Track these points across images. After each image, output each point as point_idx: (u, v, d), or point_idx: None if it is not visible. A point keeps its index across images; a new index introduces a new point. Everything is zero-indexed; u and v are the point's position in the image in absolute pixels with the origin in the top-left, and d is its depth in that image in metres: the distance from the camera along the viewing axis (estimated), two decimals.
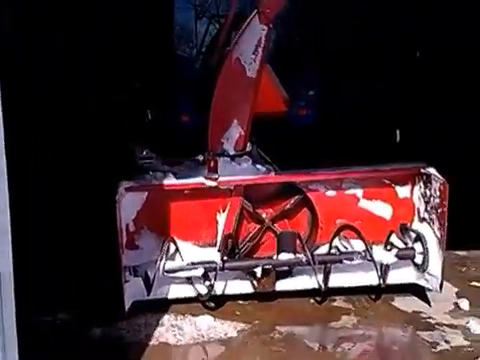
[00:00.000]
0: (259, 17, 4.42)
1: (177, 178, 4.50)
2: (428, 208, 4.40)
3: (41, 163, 6.03)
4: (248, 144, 4.78)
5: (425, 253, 4.34)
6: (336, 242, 4.58)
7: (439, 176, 4.30)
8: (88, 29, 7.70)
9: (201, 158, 4.67)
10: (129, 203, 4.30)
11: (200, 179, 4.44)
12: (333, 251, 4.53)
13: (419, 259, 4.40)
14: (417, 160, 4.49)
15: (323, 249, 4.61)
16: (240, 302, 4.58)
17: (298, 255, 4.46)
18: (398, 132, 7.88)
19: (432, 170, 4.39)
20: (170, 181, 4.46)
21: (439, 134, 6.90)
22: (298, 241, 4.51)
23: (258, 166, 4.70)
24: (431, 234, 4.36)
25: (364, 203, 4.67)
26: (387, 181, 4.61)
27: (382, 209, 4.66)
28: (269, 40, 4.50)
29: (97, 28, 7.89)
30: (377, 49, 8.04)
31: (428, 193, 4.39)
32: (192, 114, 5.70)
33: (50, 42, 6.93)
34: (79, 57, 7.50)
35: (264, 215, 4.78)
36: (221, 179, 4.44)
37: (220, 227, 4.61)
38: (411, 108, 7.28)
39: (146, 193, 4.42)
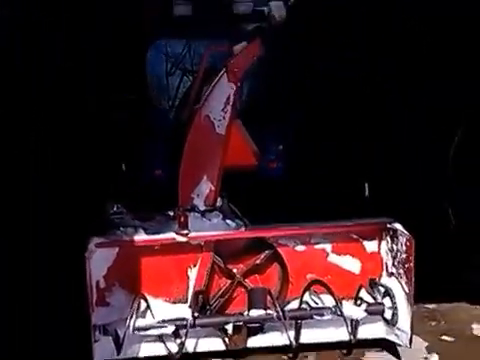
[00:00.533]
0: (228, 75, 4.52)
1: (148, 234, 4.49)
2: (395, 263, 4.46)
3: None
4: (218, 199, 4.81)
5: (394, 308, 4.37)
6: (307, 297, 4.60)
7: (405, 231, 4.38)
8: None
9: (171, 213, 4.68)
10: (100, 259, 4.28)
11: (170, 234, 4.44)
12: (304, 306, 4.54)
13: (388, 314, 4.43)
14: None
15: (294, 304, 4.61)
16: None
17: (269, 311, 4.46)
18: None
19: (398, 225, 4.46)
20: (141, 237, 4.45)
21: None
22: (269, 297, 4.52)
23: (228, 221, 4.72)
24: (399, 289, 4.40)
25: (333, 258, 4.71)
26: (355, 236, 4.66)
27: (351, 264, 4.70)
28: (238, 97, 4.59)
29: None
30: None
31: (395, 248, 4.45)
32: (165, 168, 5.72)
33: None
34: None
35: (235, 270, 4.77)
36: (191, 234, 4.45)
37: (191, 283, 4.59)
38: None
39: (117, 249, 4.39)
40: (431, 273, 5.56)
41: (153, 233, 4.49)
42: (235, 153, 5.92)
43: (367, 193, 7.85)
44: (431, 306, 5.45)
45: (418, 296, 5.23)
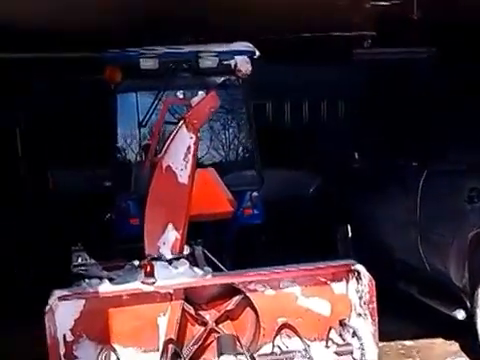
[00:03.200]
0: (186, 126, 4.51)
1: (113, 284, 4.39)
2: (362, 303, 4.39)
3: None
4: (186, 247, 4.73)
5: (362, 348, 4.26)
6: (278, 341, 4.47)
7: (366, 273, 4.34)
8: None
9: (137, 263, 4.59)
10: (65, 312, 4.15)
11: (136, 284, 4.32)
12: (275, 351, 4.41)
13: (357, 354, 4.31)
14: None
15: (267, 348, 4.49)
16: None
17: (239, 357, 4.33)
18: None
19: (360, 267, 4.41)
20: (106, 288, 4.34)
21: None
22: (238, 343, 4.39)
23: (195, 269, 4.63)
24: (366, 328, 4.32)
25: (303, 301, 4.59)
26: (322, 278, 4.56)
27: (321, 306, 4.58)
28: (198, 146, 4.56)
29: None
30: None
31: (360, 289, 4.39)
32: (141, 217, 5.67)
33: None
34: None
35: (208, 317, 4.65)
36: (158, 283, 4.34)
37: (162, 331, 4.46)
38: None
39: (83, 301, 4.28)
40: (409, 310, 5.51)
41: (119, 283, 4.39)
42: (209, 201, 5.88)
43: (350, 234, 7.78)
44: (408, 343, 5.36)
45: (394, 334, 5.17)
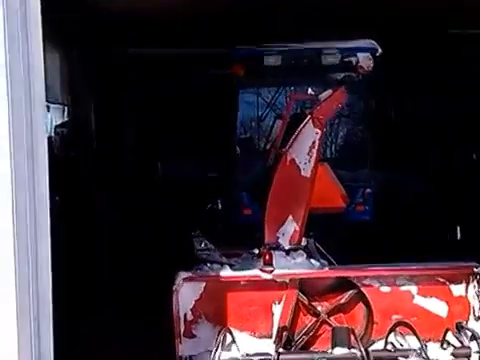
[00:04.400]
0: (313, 122, 4.54)
1: (233, 270, 4.49)
2: None
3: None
4: (303, 239, 4.75)
5: None
6: (392, 338, 4.41)
7: None
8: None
9: (257, 251, 4.66)
10: (187, 293, 4.29)
11: (256, 271, 4.40)
12: (389, 347, 4.36)
13: (475, 358, 4.17)
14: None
15: (379, 345, 4.44)
16: None
17: (353, 350, 4.31)
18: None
19: None
20: (227, 273, 4.45)
21: None
22: (353, 336, 4.36)
23: (312, 261, 4.64)
24: None
25: (419, 300, 4.50)
26: (441, 279, 4.45)
27: (437, 306, 4.48)
28: (322, 142, 4.58)
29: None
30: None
31: None
32: (254, 207, 5.76)
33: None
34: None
35: (320, 308, 4.65)
36: (276, 272, 4.39)
37: (276, 319, 4.50)
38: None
39: (204, 283, 4.40)
40: None
41: (239, 269, 4.48)
42: (323, 195, 5.88)
43: (459, 236, 7.55)
44: None
45: None
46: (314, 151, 4.59)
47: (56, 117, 8.35)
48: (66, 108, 8.76)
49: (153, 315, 5.02)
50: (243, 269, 4.49)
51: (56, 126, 8.23)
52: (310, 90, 4.89)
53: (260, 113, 6.51)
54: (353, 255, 5.21)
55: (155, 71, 8.75)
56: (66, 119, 8.75)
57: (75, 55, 8.76)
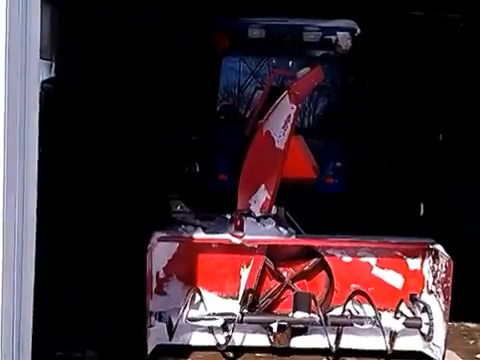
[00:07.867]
0: (289, 97, 4.56)
1: (206, 233, 4.56)
2: (435, 282, 4.37)
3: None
4: (274, 207, 4.82)
5: (431, 324, 4.26)
6: (349, 306, 4.54)
7: (445, 253, 4.29)
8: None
9: (229, 216, 4.72)
10: (161, 252, 4.36)
11: (226, 235, 4.48)
12: (346, 314, 4.49)
13: (425, 329, 4.32)
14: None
15: (337, 311, 4.57)
16: (257, 355, 4.53)
17: (312, 315, 4.43)
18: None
19: (439, 247, 4.38)
20: (199, 235, 4.52)
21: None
22: (313, 301, 4.48)
23: (281, 228, 4.71)
24: (437, 306, 4.29)
25: (377, 271, 4.63)
26: (399, 253, 4.58)
27: (394, 278, 4.61)
28: (297, 116, 4.60)
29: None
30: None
31: (436, 268, 4.37)
32: (230, 174, 5.79)
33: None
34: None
35: (285, 274, 4.76)
36: (246, 237, 4.48)
37: (243, 282, 4.60)
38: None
39: (177, 244, 4.48)
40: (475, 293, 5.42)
41: (211, 233, 4.55)
42: (295, 166, 5.91)
43: (422, 212, 7.68)
44: (471, 325, 5.28)
45: (459, 314, 5.10)
46: (289, 125, 4.62)
47: (43, 73, 8.22)
48: (53, 64, 8.63)
49: (126, 272, 5.09)
50: (215, 233, 4.56)
51: (43, 81, 8.12)
52: (290, 63, 4.87)
53: (243, 80, 6.48)
54: (321, 225, 5.31)
55: (140, 34, 8.61)
56: (53, 75, 8.64)
57: (63, 12, 8.59)
